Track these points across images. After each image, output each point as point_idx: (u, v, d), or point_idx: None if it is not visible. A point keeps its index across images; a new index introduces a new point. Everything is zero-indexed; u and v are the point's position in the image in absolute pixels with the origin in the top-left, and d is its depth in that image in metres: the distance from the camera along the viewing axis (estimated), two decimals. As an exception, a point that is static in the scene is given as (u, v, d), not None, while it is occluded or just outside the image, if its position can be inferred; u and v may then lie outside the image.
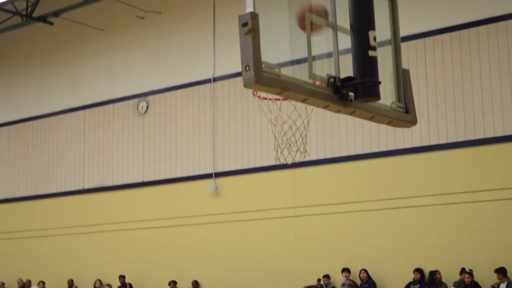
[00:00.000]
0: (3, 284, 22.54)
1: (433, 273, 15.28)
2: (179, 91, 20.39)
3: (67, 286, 20.95)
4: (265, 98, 7.78)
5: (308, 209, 17.60)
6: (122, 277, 19.76)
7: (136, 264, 20.23)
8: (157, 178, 20.45)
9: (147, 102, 20.89)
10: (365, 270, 16.25)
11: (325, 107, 5.19)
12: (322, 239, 17.32)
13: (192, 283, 18.76)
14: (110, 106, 21.72)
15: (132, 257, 20.39)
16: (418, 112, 6.08)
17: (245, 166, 18.95)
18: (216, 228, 19.12)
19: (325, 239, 17.27)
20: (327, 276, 16.71)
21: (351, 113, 5.37)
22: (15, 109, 24.06)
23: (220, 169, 19.32)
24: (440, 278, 15.28)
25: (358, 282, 16.36)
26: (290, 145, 7.71)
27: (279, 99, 7.53)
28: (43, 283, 21.45)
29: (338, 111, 5.28)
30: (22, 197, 23.31)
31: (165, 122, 20.55)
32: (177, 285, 18.95)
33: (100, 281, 19.89)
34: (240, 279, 18.16)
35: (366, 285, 16.12)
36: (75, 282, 20.93)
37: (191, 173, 19.84)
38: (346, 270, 16.48)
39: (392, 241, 16.36)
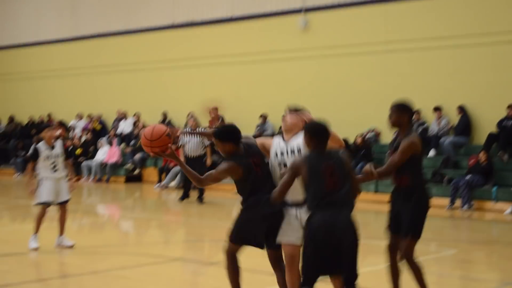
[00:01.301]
0: (100, 116, 23.51)
1: (527, 109, 15.09)
2: None
3: (161, 118, 21.66)
4: None
5: (400, 44, 17.35)
6: (214, 110, 20.20)
7: (228, 98, 20.64)
8: (246, 13, 20.41)
9: None
10: (460, 107, 16.11)
11: None
12: (414, 76, 17.17)
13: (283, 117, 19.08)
14: None
15: (224, 91, 20.80)
16: None
17: (336, 1, 18.65)
18: (306, 63, 19.18)
19: (417, 76, 17.12)
20: (417, 112, 16.70)
21: None
22: None
23: (310, 4, 19.10)
24: (534, 114, 15.10)
25: (454, 118, 16.28)
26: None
27: None
28: (139, 115, 22.28)
29: None
30: (115, 32, 23.77)
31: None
32: (267, 118, 19.35)
33: (192, 113, 20.45)
34: (329, 113, 18.34)
35: (460, 121, 16.05)
36: (168, 115, 21.60)
37: (280, 8, 19.69)
38: (438, 109, 16.41)
39: (486, 77, 16.11)
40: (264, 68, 20.01)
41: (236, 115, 19.93)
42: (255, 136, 20.37)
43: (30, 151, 9.71)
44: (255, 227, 5.66)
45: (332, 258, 4.94)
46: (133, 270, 8.30)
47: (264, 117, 19.45)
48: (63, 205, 9.68)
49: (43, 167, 9.59)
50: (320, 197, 4.98)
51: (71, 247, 9.60)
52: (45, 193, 9.52)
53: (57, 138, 9.77)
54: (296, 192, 5.34)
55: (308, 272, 4.97)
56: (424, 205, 5.95)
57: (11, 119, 26.70)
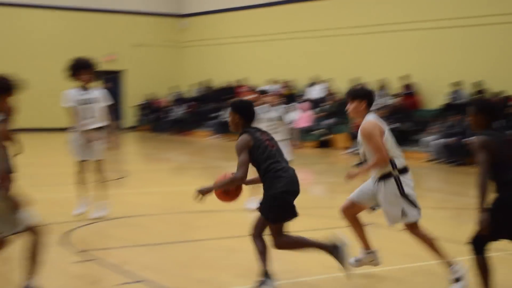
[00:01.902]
0: (291, 82, 23.78)
1: None
2: None
3: (351, 84, 21.54)
4: None
5: None
6: (405, 78, 19.83)
7: (419, 64, 20.18)
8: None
9: None
10: None
11: None
12: None
13: (476, 84, 18.38)
14: None
15: (415, 57, 20.35)
16: None
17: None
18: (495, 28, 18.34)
19: None
20: None
21: None
22: None
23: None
24: None
25: None
26: None
27: None
28: (329, 81, 22.32)
29: None
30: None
31: None
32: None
33: (383, 81, 20.15)
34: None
35: None
36: (359, 81, 21.42)
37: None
38: None
39: None
40: (457, 33, 19.30)
41: (428, 82, 19.45)
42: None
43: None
44: (291, 199, 5.75)
45: None
46: (324, 232, 8.32)
47: (456, 85, 18.76)
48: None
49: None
50: (507, 173, 4.99)
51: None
52: None
53: (268, 103, 9.91)
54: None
55: (488, 236, 5.11)
56: None
57: (205, 84, 27.69)
